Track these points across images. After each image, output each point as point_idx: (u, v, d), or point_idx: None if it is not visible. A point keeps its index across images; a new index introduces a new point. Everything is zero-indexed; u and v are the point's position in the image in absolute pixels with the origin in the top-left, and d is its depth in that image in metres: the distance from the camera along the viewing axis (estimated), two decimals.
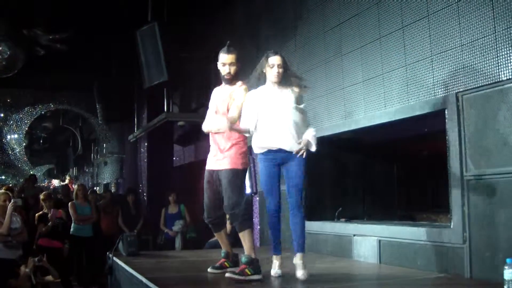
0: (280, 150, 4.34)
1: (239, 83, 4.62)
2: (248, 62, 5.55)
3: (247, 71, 4.78)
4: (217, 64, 4.71)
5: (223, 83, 4.72)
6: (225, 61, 4.58)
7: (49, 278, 6.67)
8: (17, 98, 17.75)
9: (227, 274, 4.26)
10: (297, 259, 4.34)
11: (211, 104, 4.80)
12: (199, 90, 10.23)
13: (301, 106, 4.40)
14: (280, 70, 4.33)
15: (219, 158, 4.58)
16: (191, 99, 10.99)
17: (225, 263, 4.73)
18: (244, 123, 4.40)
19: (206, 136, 4.81)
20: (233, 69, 4.60)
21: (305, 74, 6.54)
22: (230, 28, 8.90)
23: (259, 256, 4.43)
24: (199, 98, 10.17)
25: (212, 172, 4.65)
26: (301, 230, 4.39)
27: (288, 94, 4.36)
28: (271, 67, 4.33)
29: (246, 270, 4.21)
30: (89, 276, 8.65)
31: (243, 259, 4.34)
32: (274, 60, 4.33)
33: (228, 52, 4.58)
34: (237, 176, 4.52)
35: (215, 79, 4.74)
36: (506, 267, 3.53)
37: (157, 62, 9.37)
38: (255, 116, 4.37)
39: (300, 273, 4.27)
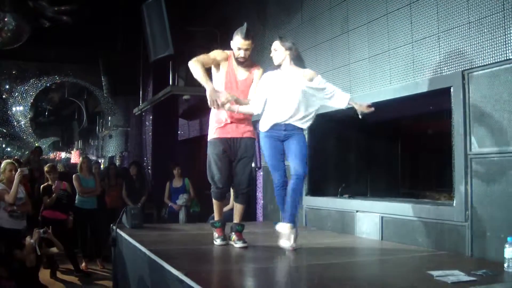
0: (284, 127, 4.39)
1: (258, 66, 4.77)
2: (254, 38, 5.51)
3: (253, 48, 4.72)
4: (230, 43, 4.66)
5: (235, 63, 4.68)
6: (241, 46, 4.54)
7: (54, 249, 6.74)
8: (23, 70, 17.72)
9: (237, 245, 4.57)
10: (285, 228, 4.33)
11: (222, 76, 4.68)
12: None
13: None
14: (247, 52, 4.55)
15: (241, 125, 4.69)
16: None
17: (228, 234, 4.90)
18: (253, 107, 4.49)
19: (211, 110, 4.77)
20: (247, 54, 4.59)
21: (310, 50, 6.52)
22: (236, 3, 8.83)
23: (263, 230, 4.56)
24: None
25: (229, 140, 4.68)
26: (295, 202, 4.36)
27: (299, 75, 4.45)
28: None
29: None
30: (93, 248, 8.74)
31: (239, 228, 4.72)
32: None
33: (246, 37, 4.49)
34: (255, 147, 4.84)
35: None
36: (506, 246, 3.56)
37: (163, 35, 9.31)
38: (263, 99, 4.47)
39: (286, 243, 4.32)
